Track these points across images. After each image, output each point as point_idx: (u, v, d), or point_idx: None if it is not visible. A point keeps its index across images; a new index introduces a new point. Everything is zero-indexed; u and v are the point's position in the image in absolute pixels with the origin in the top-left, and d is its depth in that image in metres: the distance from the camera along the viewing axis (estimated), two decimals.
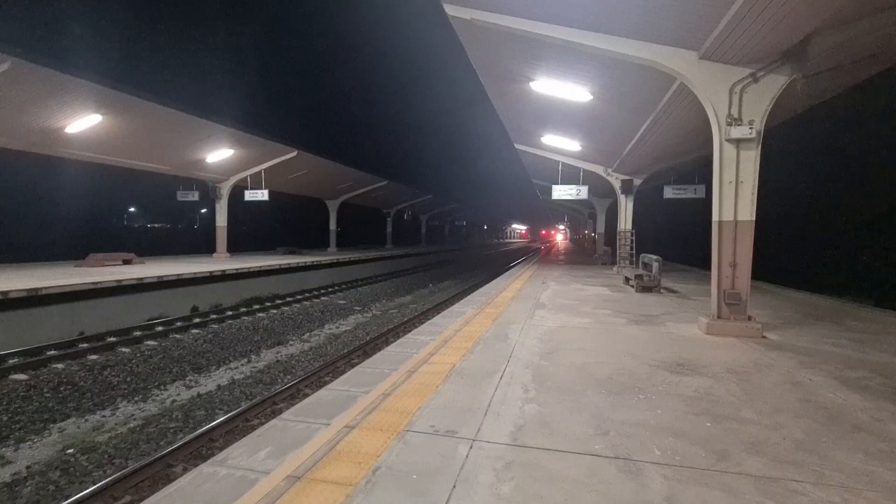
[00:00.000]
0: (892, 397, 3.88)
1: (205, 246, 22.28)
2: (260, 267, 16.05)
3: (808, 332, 6.40)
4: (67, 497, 4.15)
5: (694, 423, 3.35)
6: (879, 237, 12.59)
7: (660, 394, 3.93)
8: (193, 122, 13.68)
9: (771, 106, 5.78)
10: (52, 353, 8.47)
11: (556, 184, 14.74)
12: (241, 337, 10.34)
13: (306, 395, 5.90)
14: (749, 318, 6.15)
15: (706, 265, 6.76)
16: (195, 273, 13.23)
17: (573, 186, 14.46)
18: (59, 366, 7.94)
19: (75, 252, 16.35)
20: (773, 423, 3.36)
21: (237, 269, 14.90)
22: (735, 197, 5.96)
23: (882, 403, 3.75)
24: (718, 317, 6.22)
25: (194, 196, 19.18)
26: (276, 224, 33.62)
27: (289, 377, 7.73)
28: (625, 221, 15.01)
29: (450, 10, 6.41)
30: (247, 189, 19.26)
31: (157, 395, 6.91)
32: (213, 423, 5.59)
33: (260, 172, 18.95)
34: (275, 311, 13.52)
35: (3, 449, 5.19)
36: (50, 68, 9.46)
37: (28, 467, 4.79)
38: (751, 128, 5.78)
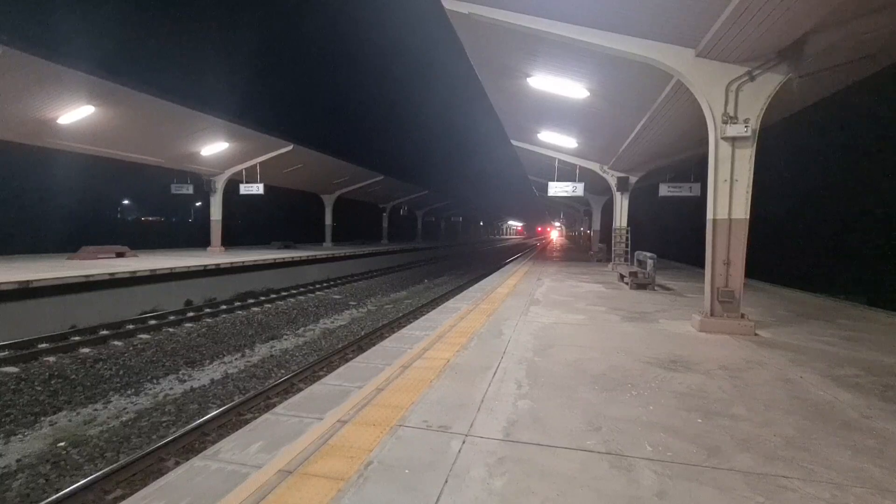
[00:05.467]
0: (881, 395, 3.92)
1: (199, 240, 22.18)
2: (255, 261, 15.97)
3: (801, 330, 6.45)
4: (58, 490, 4.12)
5: (686, 419, 3.37)
6: (873, 235, 12.70)
7: (652, 390, 3.95)
8: (188, 115, 13.56)
9: (767, 104, 5.79)
10: (44, 346, 8.40)
11: (553, 180, 14.75)
12: (235, 331, 10.30)
13: (300, 390, 5.88)
14: (742, 316, 6.18)
15: (700, 263, 6.78)
16: (189, 266, 13.15)
17: (569, 183, 14.47)
18: (51, 359, 7.87)
19: (68, 245, 16.20)
20: (763, 419, 3.38)
21: (232, 263, 14.82)
22: (730, 195, 5.97)
23: (871, 401, 3.78)
24: (711, 314, 6.26)
25: (189, 189, 19.06)
26: (272, 218, 33.50)
27: (283, 371, 7.72)
28: (620, 219, 15.05)
29: (448, 4, 6.36)
30: (242, 183, 19.15)
31: (150, 389, 6.87)
32: (206, 416, 5.57)
33: (255, 166, 18.85)
34: (269, 306, 13.48)
35: None
36: (42, 58, 9.33)
37: (18, 460, 4.76)
38: (746, 126, 5.78)
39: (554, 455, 2.81)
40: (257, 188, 18.80)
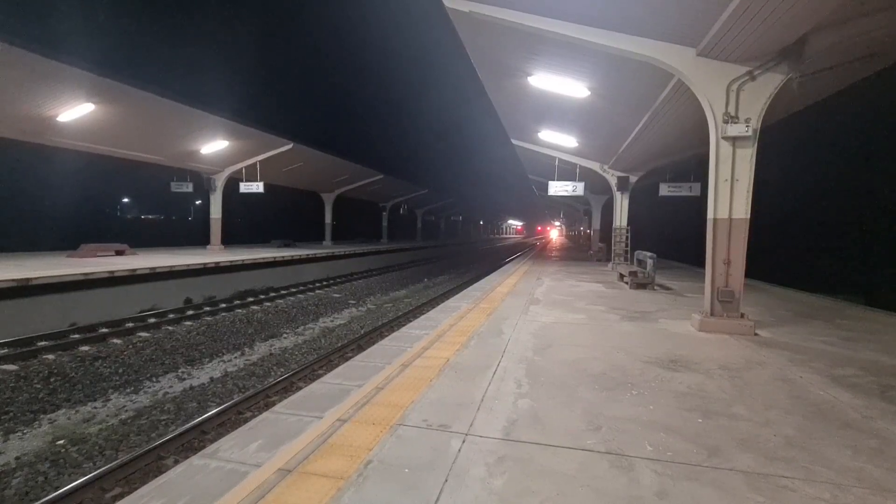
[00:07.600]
0: (880, 394, 3.92)
1: (199, 238, 22.17)
2: (254, 259, 15.96)
3: (800, 330, 6.45)
4: (57, 489, 4.12)
5: (686, 419, 3.36)
6: (872, 236, 12.70)
7: (652, 390, 3.95)
8: (188, 113, 13.54)
9: (767, 104, 5.79)
10: (43, 343, 8.38)
11: (553, 180, 14.73)
12: (235, 329, 10.29)
13: (299, 389, 5.88)
14: (742, 316, 6.18)
15: (700, 262, 6.78)
16: (189, 265, 13.14)
17: (569, 183, 14.45)
18: (50, 357, 7.87)
19: (68, 242, 16.20)
20: (763, 419, 3.38)
21: (231, 262, 14.81)
22: (730, 195, 5.96)
23: (871, 401, 3.78)
24: (711, 314, 6.25)
25: (188, 187, 19.04)
26: (272, 217, 33.48)
27: (282, 370, 7.71)
28: (620, 218, 15.05)
29: (448, 2, 6.34)
30: (242, 181, 19.13)
31: (149, 387, 6.87)
32: (205, 415, 5.57)
33: (255, 164, 18.82)
34: (269, 304, 13.47)
35: None
36: (41, 55, 9.31)
37: (17, 458, 4.75)
38: (747, 126, 5.78)
39: (554, 454, 2.81)
40: (257, 186, 18.77)
